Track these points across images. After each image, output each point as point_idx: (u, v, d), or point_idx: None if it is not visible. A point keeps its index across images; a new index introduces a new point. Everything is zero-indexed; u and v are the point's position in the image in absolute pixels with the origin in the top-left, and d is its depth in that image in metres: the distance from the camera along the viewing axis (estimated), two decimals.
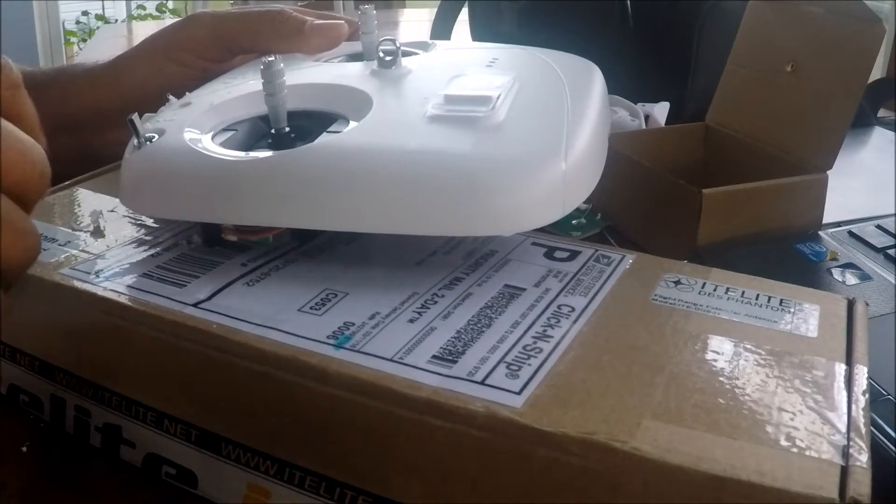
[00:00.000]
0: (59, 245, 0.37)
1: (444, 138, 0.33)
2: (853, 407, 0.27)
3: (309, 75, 0.44)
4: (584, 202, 0.63)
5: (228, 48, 0.55)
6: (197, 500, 0.33)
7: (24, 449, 0.37)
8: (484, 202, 0.31)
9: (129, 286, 0.34)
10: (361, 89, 0.39)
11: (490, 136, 0.34)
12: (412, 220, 0.32)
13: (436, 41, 0.52)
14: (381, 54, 0.42)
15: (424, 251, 0.37)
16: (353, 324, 0.31)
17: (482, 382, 0.27)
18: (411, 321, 0.31)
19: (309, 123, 0.38)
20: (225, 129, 0.39)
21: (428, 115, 0.35)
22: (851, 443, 0.25)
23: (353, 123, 0.37)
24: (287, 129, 0.38)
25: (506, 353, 0.29)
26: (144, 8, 3.94)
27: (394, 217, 0.32)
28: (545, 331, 0.30)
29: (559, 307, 0.32)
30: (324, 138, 0.35)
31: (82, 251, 0.37)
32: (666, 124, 0.74)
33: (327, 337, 0.30)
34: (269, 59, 0.36)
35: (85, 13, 3.89)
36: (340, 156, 0.33)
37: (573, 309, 0.32)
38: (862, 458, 0.24)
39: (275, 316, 0.31)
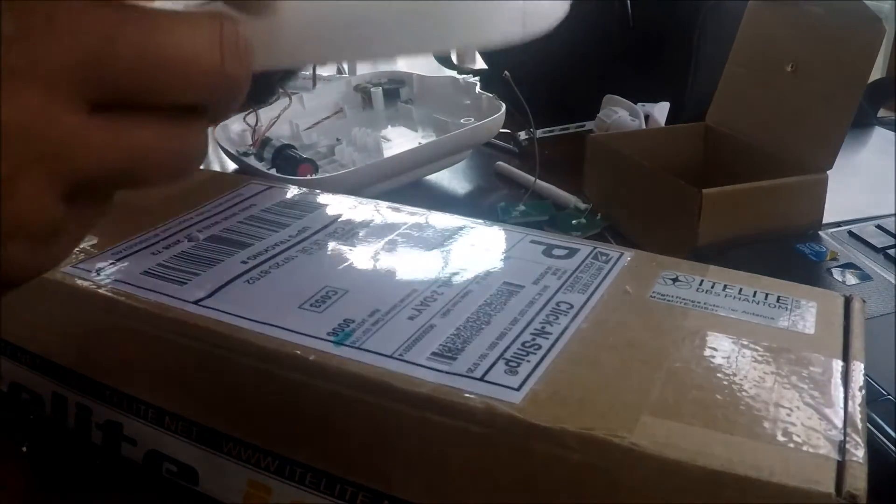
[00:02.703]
0: None
1: None
2: (850, 403, 0.27)
3: None
4: (584, 202, 0.64)
5: None
6: (198, 498, 0.33)
7: (24, 449, 0.37)
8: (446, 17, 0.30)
9: (129, 284, 0.34)
10: None
11: None
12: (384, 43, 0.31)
13: None
14: None
15: (424, 249, 0.37)
16: (354, 321, 0.31)
17: (481, 379, 0.27)
18: (411, 318, 0.31)
19: None
20: None
21: None
22: (848, 438, 0.25)
23: None
24: None
25: (505, 350, 0.29)
26: None
27: (367, 40, 0.30)
28: (544, 327, 0.30)
29: (558, 304, 0.32)
30: None
31: (83, 249, 0.37)
32: (666, 124, 0.74)
33: (327, 334, 0.30)
34: None
35: None
36: None
37: (571, 306, 0.32)
38: (858, 453, 0.24)
39: (275, 313, 0.31)
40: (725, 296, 0.33)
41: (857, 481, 0.23)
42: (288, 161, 0.64)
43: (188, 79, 0.21)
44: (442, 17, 0.28)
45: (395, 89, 0.79)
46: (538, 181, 0.67)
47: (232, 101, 0.23)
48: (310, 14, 0.27)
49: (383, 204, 0.42)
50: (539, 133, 0.76)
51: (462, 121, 0.71)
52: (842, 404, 0.27)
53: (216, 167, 0.75)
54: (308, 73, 1.01)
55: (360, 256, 0.36)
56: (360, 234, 0.39)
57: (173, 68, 0.21)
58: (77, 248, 0.37)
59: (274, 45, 0.25)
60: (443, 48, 0.34)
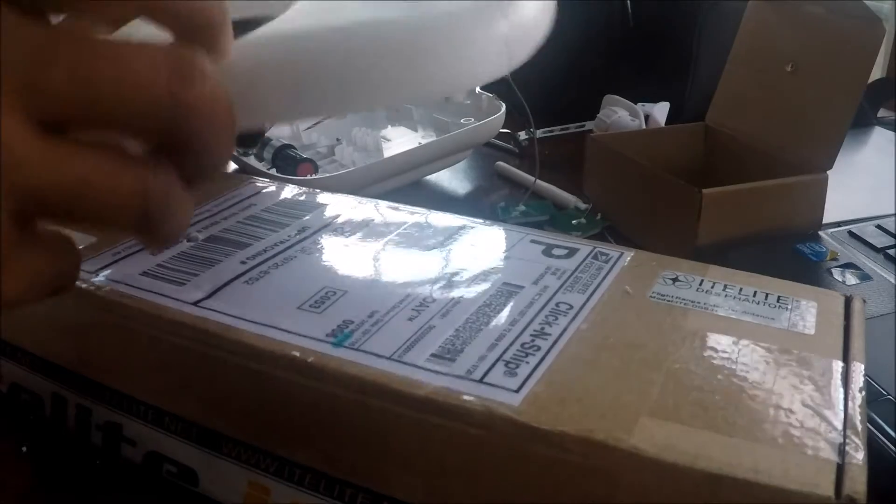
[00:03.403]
0: None
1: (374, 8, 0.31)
2: (850, 404, 0.27)
3: None
4: (584, 202, 0.64)
5: None
6: (198, 498, 0.33)
7: (24, 449, 0.37)
8: (427, 62, 0.29)
9: (129, 285, 0.34)
10: None
11: None
12: (363, 93, 0.30)
13: None
14: None
15: (424, 249, 0.37)
16: (352, 322, 0.31)
17: (480, 380, 0.27)
18: (410, 319, 0.31)
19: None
20: None
21: None
22: (848, 440, 0.25)
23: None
24: None
25: (504, 351, 0.29)
26: None
27: (343, 93, 0.29)
28: (543, 328, 0.30)
29: (557, 304, 0.32)
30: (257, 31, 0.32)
31: (82, 249, 0.37)
32: (666, 124, 0.74)
33: (326, 335, 0.30)
34: None
35: None
36: (278, 42, 0.28)
37: (571, 306, 0.32)
38: (858, 455, 0.24)
39: (274, 314, 0.31)
40: (725, 296, 0.33)
41: (857, 484, 0.23)
42: (288, 161, 0.64)
43: (128, 102, 0.20)
44: (425, 65, 0.27)
45: None
46: (538, 181, 0.67)
47: (198, 136, 0.22)
48: (275, 63, 0.25)
49: (383, 204, 0.42)
50: (539, 133, 0.76)
51: (462, 121, 0.70)
52: (842, 406, 0.27)
53: None
54: None
55: (360, 257, 0.36)
56: (360, 235, 0.39)
57: (110, 91, 0.20)
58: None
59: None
60: (431, 94, 0.33)
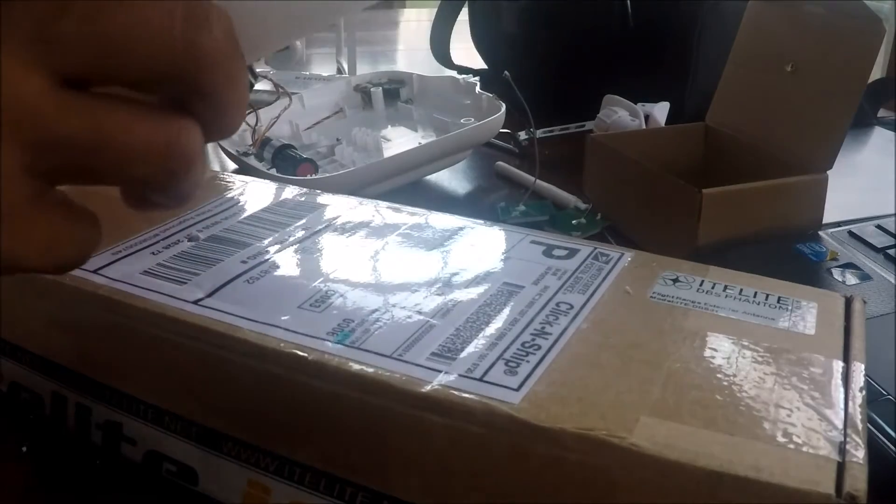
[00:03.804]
0: None
1: None
2: (850, 403, 0.27)
3: None
4: (584, 202, 0.64)
5: None
6: (197, 498, 0.33)
7: (24, 449, 0.37)
8: None
9: (129, 284, 0.34)
10: None
11: None
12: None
13: None
14: None
15: (424, 249, 0.37)
16: (353, 321, 0.31)
17: (481, 379, 0.27)
18: (410, 318, 0.31)
19: None
20: None
21: None
22: (848, 439, 0.25)
23: None
24: None
25: (504, 350, 0.29)
26: None
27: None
28: (543, 328, 0.30)
29: (558, 304, 0.32)
30: None
31: None
32: (666, 124, 0.74)
33: (327, 333, 0.30)
34: None
35: None
36: None
37: (571, 306, 0.32)
38: (858, 454, 0.24)
39: (275, 313, 0.31)
40: (726, 296, 0.33)
41: (857, 482, 0.23)
42: (288, 161, 0.64)
43: (142, 50, 0.20)
44: None
45: (395, 89, 0.79)
46: (538, 181, 0.67)
47: (215, 82, 0.21)
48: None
49: (383, 204, 0.42)
50: (539, 133, 0.76)
51: (462, 121, 0.71)
52: (842, 405, 0.27)
53: (216, 167, 0.75)
54: (307, 73, 1.01)
55: (360, 256, 0.36)
56: (360, 235, 0.39)
57: (123, 39, 0.20)
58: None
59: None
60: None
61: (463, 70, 1.00)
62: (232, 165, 0.71)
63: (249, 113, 0.72)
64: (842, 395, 0.27)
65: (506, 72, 0.70)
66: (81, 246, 0.23)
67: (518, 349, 0.29)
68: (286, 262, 0.36)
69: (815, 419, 0.26)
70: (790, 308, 0.33)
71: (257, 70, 0.92)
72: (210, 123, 0.23)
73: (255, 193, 0.44)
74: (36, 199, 0.21)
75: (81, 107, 0.21)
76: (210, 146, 0.81)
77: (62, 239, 0.22)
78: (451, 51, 1.05)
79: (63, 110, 0.20)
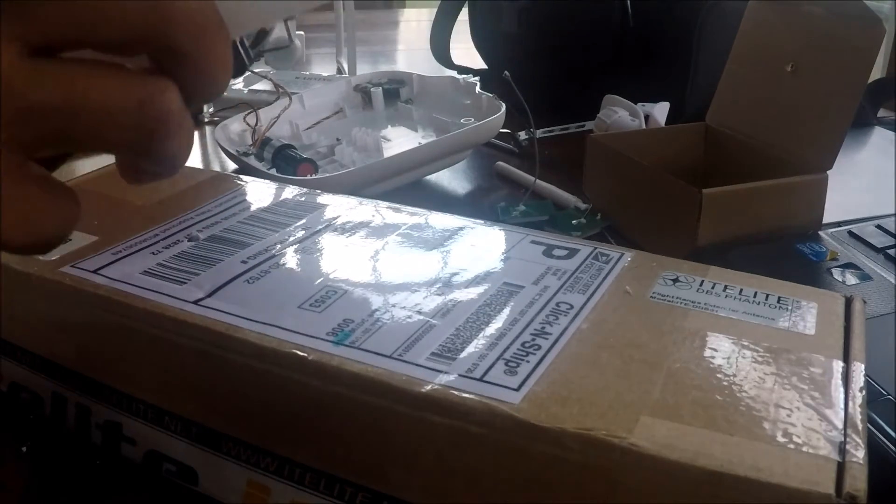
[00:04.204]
0: None
1: None
2: (850, 403, 0.27)
3: None
4: (584, 202, 0.64)
5: None
6: (197, 498, 0.33)
7: (24, 449, 0.37)
8: None
9: (129, 283, 0.34)
10: None
11: None
12: None
13: None
14: None
15: (424, 249, 0.37)
16: (353, 321, 0.31)
17: (481, 379, 0.27)
18: (410, 318, 0.31)
19: None
20: None
21: None
22: (848, 439, 0.25)
23: None
24: None
25: (504, 350, 0.29)
26: None
27: None
28: (544, 328, 0.30)
29: (558, 304, 0.32)
30: None
31: (83, 248, 0.37)
32: (666, 124, 0.74)
33: (327, 334, 0.30)
34: None
35: None
36: None
37: (571, 306, 0.32)
38: (858, 454, 0.24)
39: (275, 313, 0.31)
40: (726, 296, 0.33)
41: (858, 482, 0.23)
42: (288, 161, 0.64)
43: (107, 12, 0.20)
44: None
45: (395, 89, 0.79)
46: (538, 181, 0.67)
47: (189, 43, 0.21)
48: None
49: (383, 204, 0.42)
50: (539, 133, 0.77)
51: (462, 121, 0.71)
52: (842, 405, 0.27)
53: (216, 167, 0.75)
54: (307, 73, 1.01)
55: (360, 256, 0.36)
56: (360, 235, 0.39)
57: (88, 4, 0.20)
58: (77, 247, 0.37)
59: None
60: None
61: (463, 70, 1.00)
62: (232, 165, 0.71)
63: (249, 113, 0.72)
64: (842, 395, 0.27)
65: (506, 72, 0.70)
66: (60, 221, 0.22)
67: (518, 349, 0.29)
68: (286, 262, 0.36)
69: (815, 419, 0.26)
70: (790, 308, 0.33)
71: (257, 71, 0.92)
72: (189, 84, 0.22)
73: (255, 193, 0.44)
74: (12, 173, 0.21)
75: (52, 74, 0.20)
76: (210, 146, 0.81)
77: (40, 214, 0.22)
78: (451, 51, 1.05)
79: (33, 79, 0.20)
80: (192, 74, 0.22)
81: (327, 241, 0.38)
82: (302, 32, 1.00)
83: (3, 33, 0.20)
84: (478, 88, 0.75)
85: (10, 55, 0.20)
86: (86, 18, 0.20)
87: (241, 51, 0.52)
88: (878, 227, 0.56)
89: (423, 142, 0.69)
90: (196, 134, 0.83)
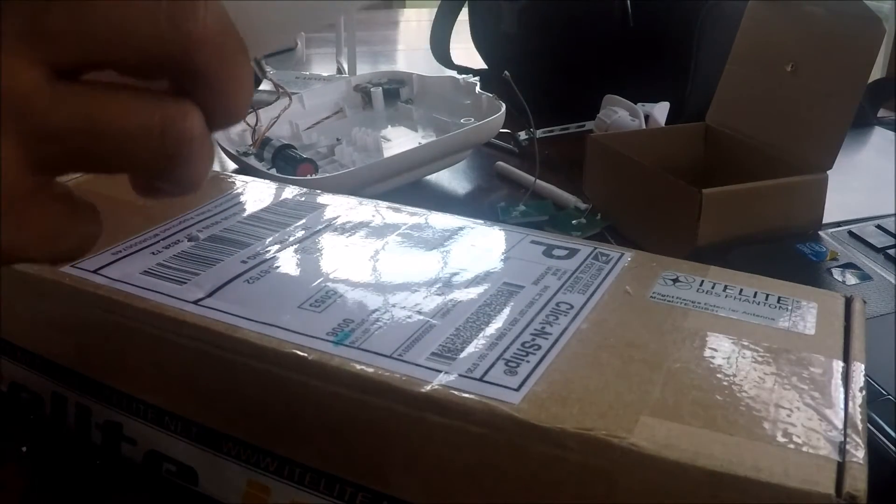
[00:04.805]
0: None
1: None
2: (850, 403, 0.27)
3: None
4: (584, 202, 0.64)
5: None
6: (197, 498, 0.33)
7: (24, 449, 0.37)
8: None
9: (129, 283, 0.34)
10: None
11: None
12: None
13: None
14: None
15: (424, 249, 0.37)
16: (353, 321, 0.31)
17: (481, 379, 0.27)
18: (410, 318, 0.31)
19: None
20: None
21: None
22: (848, 439, 0.25)
23: None
24: None
25: (504, 350, 0.29)
26: None
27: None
28: (543, 328, 0.30)
29: (557, 304, 0.32)
30: None
31: None
32: (666, 124, 0.74)
33: (327, 334, 0.30)
34: None
35: None
36: None
37: (571, 306, 0.32)
38: (858, 454, 0.24)
39: (275, 313, 0.31)
40: (726, 296, 0.33)
41: (858, 482, 0.23)
42: (288, 161, 0.64)
43: (129, 36, 0.20)
44: None
45: (395, 89, 0.79)
46: (538, 181, 0.67)
47: (209, 67, 0.21)
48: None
49: (383, 204, 0.42)
50: (539, 133, 0.77)
51: (462, 121, 0.71)
52: (842, 405, 0.27)
53: (216, 167, 0.75)
54: (307, 73, 1.01)
55: (360, 256, 0.36)
56: (360, 235, 0.39)
57: (110, 25, 0.20)
58: None
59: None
60: None
61: (463, 70, 1.00)
62: (232, 165, 0.71)
63: (249, 113, 0.72)
64: (842, 395, 0.27)
65: (506, 72, 0.70)
66: (82, 238, 0.23)
67: (518, 349, 0.29)
68: (286, 262, 0.36)
69: (815, 419, 0.26)
70: (790, 308, 0.33)
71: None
72: (212, 108, 0.23)
73: (255, 193, 0.44)
74: (37, 192, 0.21)
75: (74, 96, 0.21)
76: None
77: (62, 231, 0.23)
78: (451, 51, 1.05)
79: (56, 101, 0.20)
80: (214, 97, 0.22)
81: (327, 241, 0.38)
82: (302, 32, 1.00)
83: (27, 57, 0.20)
84: (478, 88, 0.75)
85: (34, 78, 0.20)
86: (108, 41, 0.20)
87: (255, 66, 0.52)
88: (878, 227, 0.56)
89: (423, 142, 0.69)
90: None
